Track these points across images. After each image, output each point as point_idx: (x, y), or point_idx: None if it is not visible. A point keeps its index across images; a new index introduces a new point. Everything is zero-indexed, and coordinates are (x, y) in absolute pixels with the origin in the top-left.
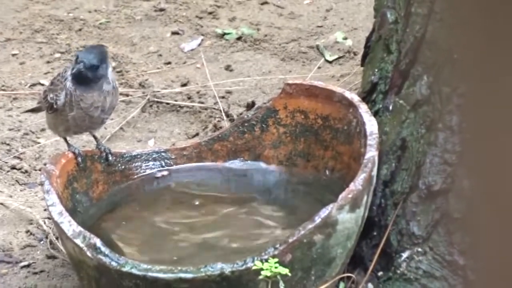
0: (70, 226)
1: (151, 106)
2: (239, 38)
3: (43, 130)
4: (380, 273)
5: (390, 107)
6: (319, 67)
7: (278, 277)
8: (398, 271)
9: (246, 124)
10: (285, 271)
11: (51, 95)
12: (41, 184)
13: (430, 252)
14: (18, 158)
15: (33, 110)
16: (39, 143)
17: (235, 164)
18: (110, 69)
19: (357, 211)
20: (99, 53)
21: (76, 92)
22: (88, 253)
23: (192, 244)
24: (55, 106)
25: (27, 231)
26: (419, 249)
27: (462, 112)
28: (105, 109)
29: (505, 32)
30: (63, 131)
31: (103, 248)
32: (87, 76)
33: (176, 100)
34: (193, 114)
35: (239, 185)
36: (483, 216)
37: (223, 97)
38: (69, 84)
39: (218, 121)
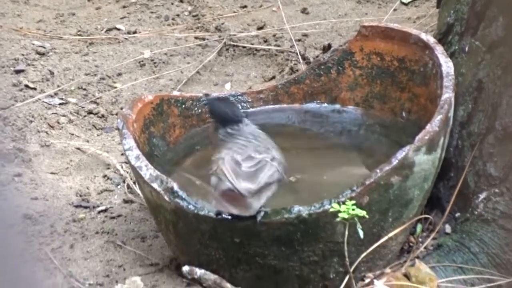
0: (147, 170)
1: (227, 49)
2: None
3: (119, 74)
4: (457, 214)
5: (466, 49)
6: (395, 9)
7: (356, 219)
8: (476, 212)
9: (322, 67)
10: (362, 213)
11: None
12: (118, 128)
13: (507, 193)
14: (95, 103)
15: None
16: (115, 87)
17: (312, 106)
18: None
19: (433, 153)
20: None
21: None
22: (166, 197)
23: None
24: None
25: (104, 176)
26: (496, 190)
27: None
28: None
29: None
30: None
31: (180, 192)
32: None
33: (252, 44)
34: (269, 57)
35: (315, 127)
36: None
37: (299, 40)
38: None
39: (295, 64)
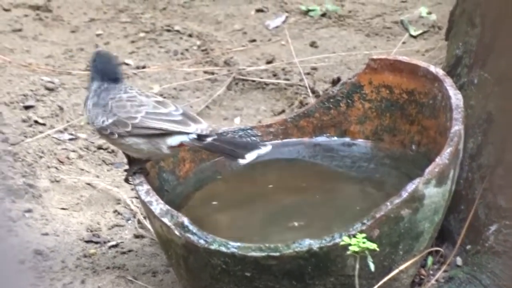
0: (157, 205)
1: (236, 83)
2: (323, 15)
3: None
4: (468, 247)
5: (475, 81)
6: (403, 42)
7: (366, 252)
8: (487, 244)
9: (331, 100)
10: (373, 246)
11: None
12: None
13: None
14: None
15: None
16: None
17: (321, 140)
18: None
19: (444, 185)
20: None
21: None
22: (176, 232)
23: (280, 220)
24: None
25: (115, 211)
26: (507, 222)
27: None
28: None
29: None
30: None
31: (191, 227)
32: None
33: (261, 78)
34: (278, 91)
35: (325, 161)
36: None
37: (308, 74)
38: None
39: (304, 97)
